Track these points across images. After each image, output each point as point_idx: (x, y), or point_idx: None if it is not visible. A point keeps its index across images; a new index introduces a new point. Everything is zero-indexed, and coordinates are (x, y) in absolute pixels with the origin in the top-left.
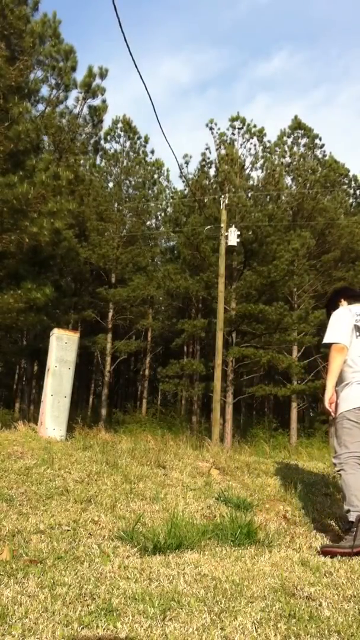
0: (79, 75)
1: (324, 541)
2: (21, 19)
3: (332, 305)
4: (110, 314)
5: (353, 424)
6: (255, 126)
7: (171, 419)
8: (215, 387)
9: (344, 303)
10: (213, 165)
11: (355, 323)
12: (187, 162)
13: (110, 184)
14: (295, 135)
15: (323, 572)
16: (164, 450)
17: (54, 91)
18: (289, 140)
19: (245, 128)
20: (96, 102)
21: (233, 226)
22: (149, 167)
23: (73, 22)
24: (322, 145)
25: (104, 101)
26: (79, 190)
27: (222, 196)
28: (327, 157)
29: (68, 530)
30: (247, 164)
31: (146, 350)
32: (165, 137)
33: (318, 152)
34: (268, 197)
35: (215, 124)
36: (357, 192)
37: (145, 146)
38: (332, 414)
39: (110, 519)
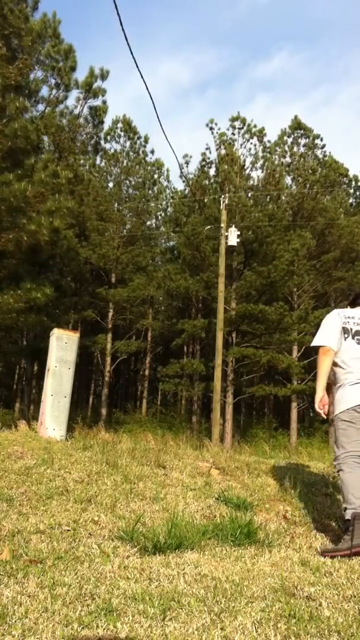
0: (79, 76)
1: (324, 541)
2: (20, 18)
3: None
4: (110, 314)
5: (348, 424)
6: (255, 126)
7: (171, 419)
8: (215, 387)
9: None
10: (213, 165)
11: (343, 325)
12: (187, 162)
13: (110, 184)
14: (295, 135)
15: (323, 572)
16: (164, 450)
17: (54, 91)
18: (289, 140)
19: (245, 128)
20: (97, 102)
21: (233, 226)
22: (149, 167)
23: (73, 22)
24: (323, 146)
25: (104, 102)
26: (79, 190)
27: (222, 196)
28: (327, 157)
29: (68, 530)
30: (247, 164)
31: (146, 350)
32: (165, 136)
33: (318, 152)
34: (268, 197)
35: (216, 124)
36: (357, 192)
37: (145, 146)
38: (323, 415)
39: (110, 519)
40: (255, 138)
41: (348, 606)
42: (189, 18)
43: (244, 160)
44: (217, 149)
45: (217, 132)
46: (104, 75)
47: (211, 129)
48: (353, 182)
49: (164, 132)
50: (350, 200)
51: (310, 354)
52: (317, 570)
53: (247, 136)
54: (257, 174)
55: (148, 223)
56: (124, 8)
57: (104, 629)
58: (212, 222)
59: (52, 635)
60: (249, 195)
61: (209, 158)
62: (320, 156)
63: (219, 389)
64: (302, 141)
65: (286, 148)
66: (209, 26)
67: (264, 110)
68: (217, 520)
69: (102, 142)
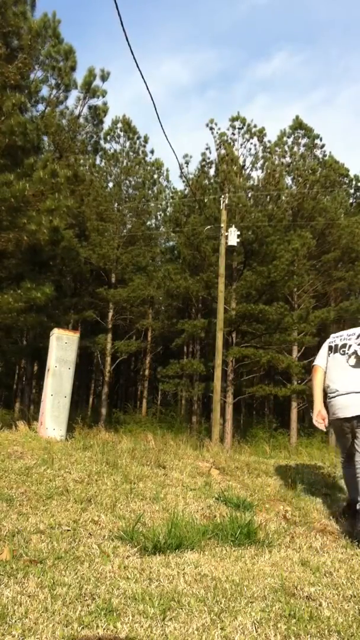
0: (79, 76)
1: (324, 541)
2: (19, 16)
3: None
4: (110, 314)
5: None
6: (255, 126)
7: (171, 419)
8: (215, 387)
9: None
10: (213, 165)
11: (329, 344)
12: (187, 162)
13: (110, 184)
14: (296, 135)
15: (323, 572)
16: (164, 450)
17: (54, 91)
18: (289, 141)
19: (245, 128)
20: (97, 102)
21: (233, 226)
22: (149, 167)
23: (73, 22)
24: (323, 146)
25: (104, 102)
26: (79, 190)
27: (222, 196)
28: (327, 157)
29: (68, 530)
30: (247, 164)
31: (146, 350)
32: (165, 136)
33: (318, 152)
34: (268, 197)
35: (216, 124)
36: (358, 192)
37: (144, 146)
38: (323, 428)
39: (110, 519)
40: (255, 138)
41: (348, 606)
42: (189, 18)
43: (244, 160)
44: (217, 149)
45: (217, 132)
46: (104, 76)
47: (211, 129)
48: (354, 182)
49: (164, 132)
50: (351, 200)
51: (311, 354)
52: (317, 570)
53: (247, 136)
54: (257, 174)
55: (148, 223)
56: (124, 8)
57: (104, 629)
58: (212, 222)
59: (52, 635)
60: (249, 195)
61: (209, 158)
62: (321, 156)
63: (219, 389)
64: (302, 141)
65: (286, 148)
66: (209, 26)
67: (263, 111)
68: (217, 520)
69: (101, 142)
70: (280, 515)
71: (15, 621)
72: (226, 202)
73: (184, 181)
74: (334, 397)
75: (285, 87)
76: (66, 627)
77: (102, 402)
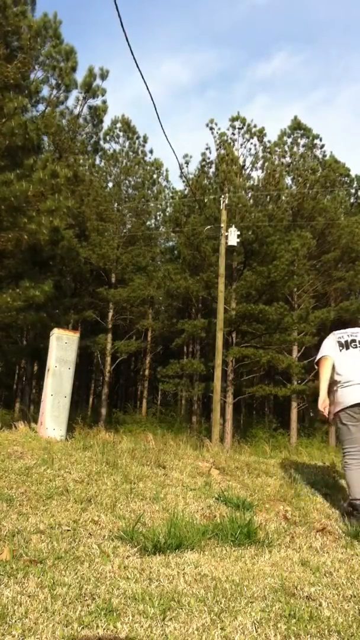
0: (79, 76)
1: (324, 541)
2: (19, 16)
3: None
4: (110, 314)
5: (343, 424)
6: (255, 126)
7: (171, 419)
8: (215, 387)
9: None
10: (213, 165)
11: (338, 340)
12: (187, 162)
13: (110, 184)
14: (295, 135)
15: (323, 572)
16: (164, 450)
17: (54, 91)
18: (289, 141)
19: (245, 128)
20: (96, 102)
21: (233, 226)
22: (148, 167)
23: (73, 22)
24: (322, 146)
25: (104, 102)
26: (79, 190)
27: (222, 196)
28: (327, 157)
29: (68, 530)
30: (247, 164)
31: (146, 350)
32: (165, 136)
33: (318, 152)
34: (268, 197)
35: (216, 124)
36: (358, 192)
37: (144, 146)
38: (325, 413)
39: (110, 519)
40: (255, 138)
41: (348, 606)
42: (189, 18)
43: (244, 160)
44: (217, 149)
45: (217, 132)
46: (103, 75)
47: (211, 129)
48: (355, 182)
49: (164, 132)
50: (351, 200)
51: (311, 354)
52: (317, 570)
53: (247, 136)
54: (257, 174)
55: (148, 223)
56: (124, 8)
57: (104, 629)
58: (212, 222)
59: (52, 635)
60: (249, 195)
61: (209, 158)
62: (320, 156)
63: (219, 389)
64: (302, 141)
65: (286, 148)
66: (209, 26)
67: (263, 111)
68: (217, 520)
69: (101, 142)
70: (280, 515)
71: (15, 621)
72: (226, 202)
73: (184, 181)
74: (349, 385)
75: (285, 87)
76: (66, 627)
77: (102, 402)
